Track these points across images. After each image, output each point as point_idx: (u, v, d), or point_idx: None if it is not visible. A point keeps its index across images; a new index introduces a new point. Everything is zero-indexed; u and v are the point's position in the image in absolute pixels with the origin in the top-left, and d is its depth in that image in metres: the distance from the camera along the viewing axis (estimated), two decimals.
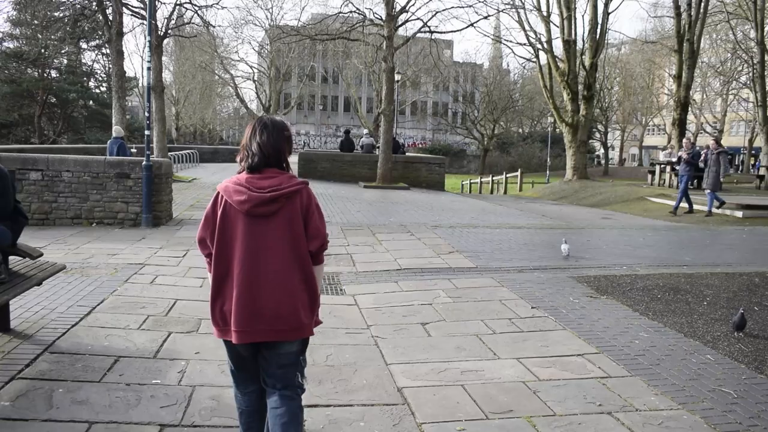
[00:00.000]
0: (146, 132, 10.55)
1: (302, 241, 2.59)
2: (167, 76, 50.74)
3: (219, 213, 2.52)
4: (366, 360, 4.47)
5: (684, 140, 15.87)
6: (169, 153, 20.14)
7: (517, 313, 5.65)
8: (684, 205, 15.08)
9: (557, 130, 50.35)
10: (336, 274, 7.21)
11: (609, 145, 59.71)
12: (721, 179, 14.91)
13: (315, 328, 2.67)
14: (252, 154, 2.53)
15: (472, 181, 38.46)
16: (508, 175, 33.86)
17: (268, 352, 2.59)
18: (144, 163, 10.00)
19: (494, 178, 35.32)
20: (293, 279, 2.54)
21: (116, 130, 15.76)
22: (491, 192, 34.01)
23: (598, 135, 57.45)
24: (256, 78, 57.04)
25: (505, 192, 32.23)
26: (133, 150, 16.89)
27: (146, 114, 10.94)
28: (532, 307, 5.84)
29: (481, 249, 8.91)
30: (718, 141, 14.65)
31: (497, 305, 5.93)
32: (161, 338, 4.68)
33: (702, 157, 14.75)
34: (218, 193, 2.57)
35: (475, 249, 8.89)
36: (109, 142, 14.80)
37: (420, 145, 64.08)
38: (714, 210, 14.53)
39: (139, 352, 4.37)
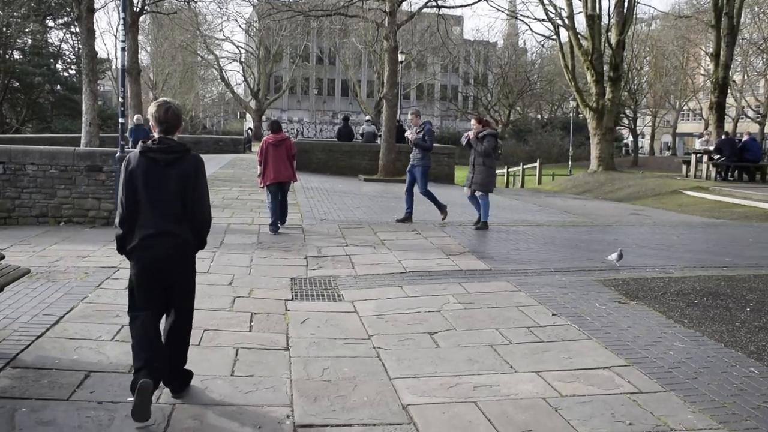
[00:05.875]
0: (120, 120, 10.55)
1: (290, 155, 9.98)
2: (144, 57, 50.84)
3: (263, 146, 9.90)
4: (367, 374, 4.46)
5: (410, 114, 11.36)
6: None
7: (536, 321, 5.64)
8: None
9: (580, 115, 50.15)
10: (333, 278, 7.21)
11: (638, 132, 59.61)
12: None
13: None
14: (274, 128, 10.13)
15: None
16: (525, 167, 33.85)
17: (282, 186, 9.97)
18: (118, 154, 9.99)
19: (510, 169, 35.29)
20: (288, 164, 9.94)
21: (137, 118, 17.90)
22: (506, 185, 33.97)
23: (626, 121, 57.31)
24: (243, 59, 57.10)
25: (522, 185, 32.22)
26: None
27: (120, 100, 10.93)
28: (553, 314, 5.83)
29: (495, 249, 8.90)
30: (481, 120, 10.83)
31: (514, 312, 5.92)
32: None
33: (464, 141, 10.57)
34: (264, 140, 10.05)
35: (489, 249, 8.88)
36: (129, 130, 15.27)
37: None
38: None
39: (113, 366, 4.36)
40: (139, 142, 3.89)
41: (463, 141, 10.62)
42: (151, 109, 3.91)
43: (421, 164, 10.97)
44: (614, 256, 7.82)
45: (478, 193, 10.57)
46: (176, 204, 3.77)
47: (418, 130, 11.01)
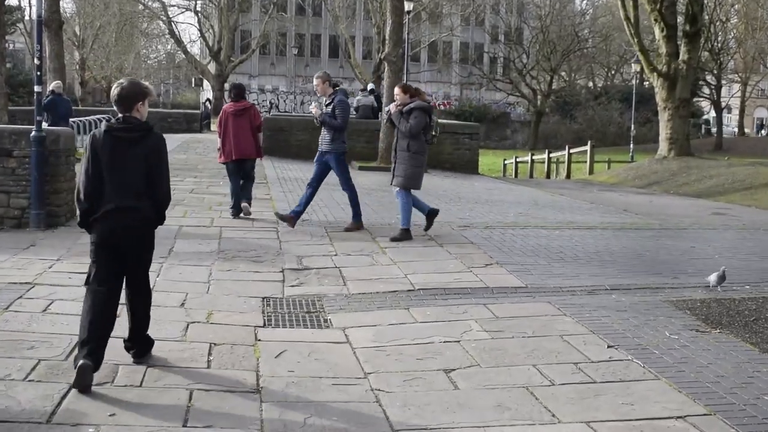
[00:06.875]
0: (36, 87, 10.55)
1: (254, 126, 11.41)
2: (67, 5, 51.07)
3: (222, 117, 11.40)
4: (362, 424, 4.48)
5: (316, 79, 10.56)
6: (71, 119, 20.17)
7: (586, 355, 5.65)
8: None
9: (646, 83, 50.28)
10: (318, 298, 7.22)
11: (724, 105, 59.62)
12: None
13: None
14: (233, 95, 11.65)
15: (519, 159, 38.47)
16: (572, 151, 33.87)
17: (243, 163, 11.43)
18: (33, 133, 9.98)
19: (552, 155, 35.32)
20: (250, 137, 11.31)
21: (56, 85, 17.56)
22: (548, 176, 34.00)
23: (706, 90, 57.38)
24: (199, 8, 57.28)
25: (568, 176, 32.23)
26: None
27: (36, 61, 10.95)
28: (608, 346, 5.84)
29: (532, 260, 8.91)
30: (408, 88, 10.09)
31: (557, 343, 5.93)
32: (59, 393, 4.67)
33: (385, 118, 10.15)
34: (223, 110, 11.64)
35: (525, 260, 8.89)
36: (46, 101, 15.15)
37: (443, 107, 64.12)
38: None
39: (26, 415, 4.37)
40: (103, 121, 5.01)
41: (384, 117, 9.96)
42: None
43: (334, 149, 10.29)
44: (714, 277, 7.66)
45: (395, 189, 9.89)
46: (140, 181, 4.99)
47: (327, 102, 10.33)
